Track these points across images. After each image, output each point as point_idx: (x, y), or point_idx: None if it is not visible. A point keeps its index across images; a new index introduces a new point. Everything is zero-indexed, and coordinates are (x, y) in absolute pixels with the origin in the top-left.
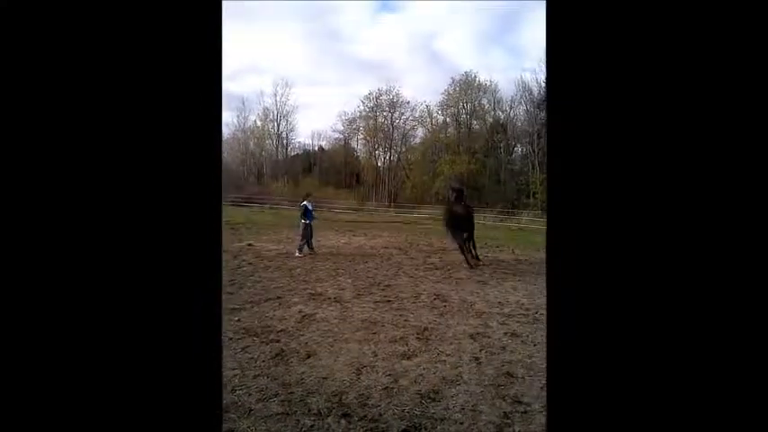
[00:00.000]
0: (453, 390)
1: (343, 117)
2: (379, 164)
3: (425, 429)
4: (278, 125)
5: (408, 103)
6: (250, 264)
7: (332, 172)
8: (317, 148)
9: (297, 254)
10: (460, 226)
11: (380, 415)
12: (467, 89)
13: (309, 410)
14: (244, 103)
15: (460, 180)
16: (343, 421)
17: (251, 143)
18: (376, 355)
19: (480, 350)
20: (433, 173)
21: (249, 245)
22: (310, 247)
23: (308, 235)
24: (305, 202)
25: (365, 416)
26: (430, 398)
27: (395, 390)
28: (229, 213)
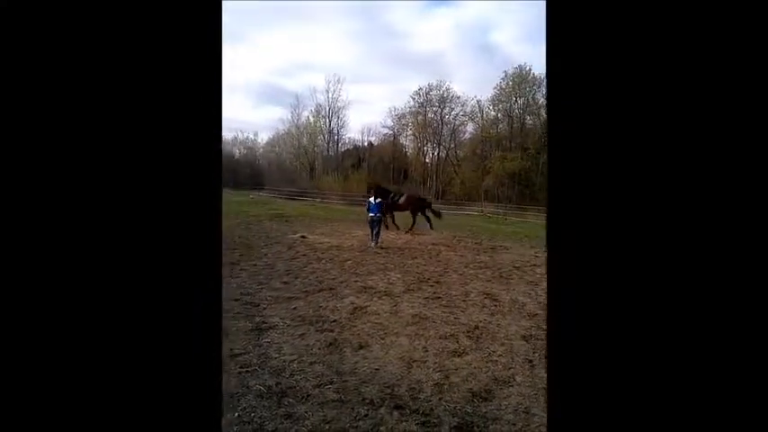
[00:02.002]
0: (506, 390)
1: (392, 113)
2: (427, 160)
3: (477, 428)
4: (329, 121)
5: (459, 98)
6: (304, 255)
7: (380, 167)
8: (366, 144)
9: (373, 245)
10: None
11: (432, 410)
12: (520, 83)
13: (363, 399)
14: (298, 100)
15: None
16: (395, 413)
17: (304, 139)
18: (426, 351)
19: (533, 352)
20: (482, 169)
21: (303, 237)
22: (372, 240)
23: (377, 227)
24: (379, 198)
25: (417, 409)
26: (482, 397)
27: (446, 386)
28: (283, 206)
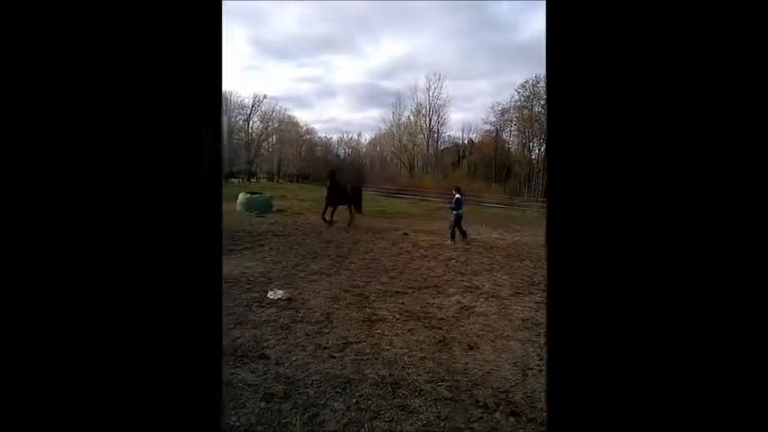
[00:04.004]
0: None
1: (495, 108)
2: (532, 156)
3: None
4: (429, 120)
5: None
6: (408, 252)
7: (481, 165)
8: (466, 141)
9: (462, 242)
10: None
11: None
12: None
13: (476, 402)
14: (399, 99)
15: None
16: (511, 419)
17: (404, 138)
18: (542, 359)
19: None
20: None
21: (405, 234)
22: (463, 235)
23: (457, 223)
24: (459, 195)
25: (535, 418)
26: None
27: None
28: (385, 203)
